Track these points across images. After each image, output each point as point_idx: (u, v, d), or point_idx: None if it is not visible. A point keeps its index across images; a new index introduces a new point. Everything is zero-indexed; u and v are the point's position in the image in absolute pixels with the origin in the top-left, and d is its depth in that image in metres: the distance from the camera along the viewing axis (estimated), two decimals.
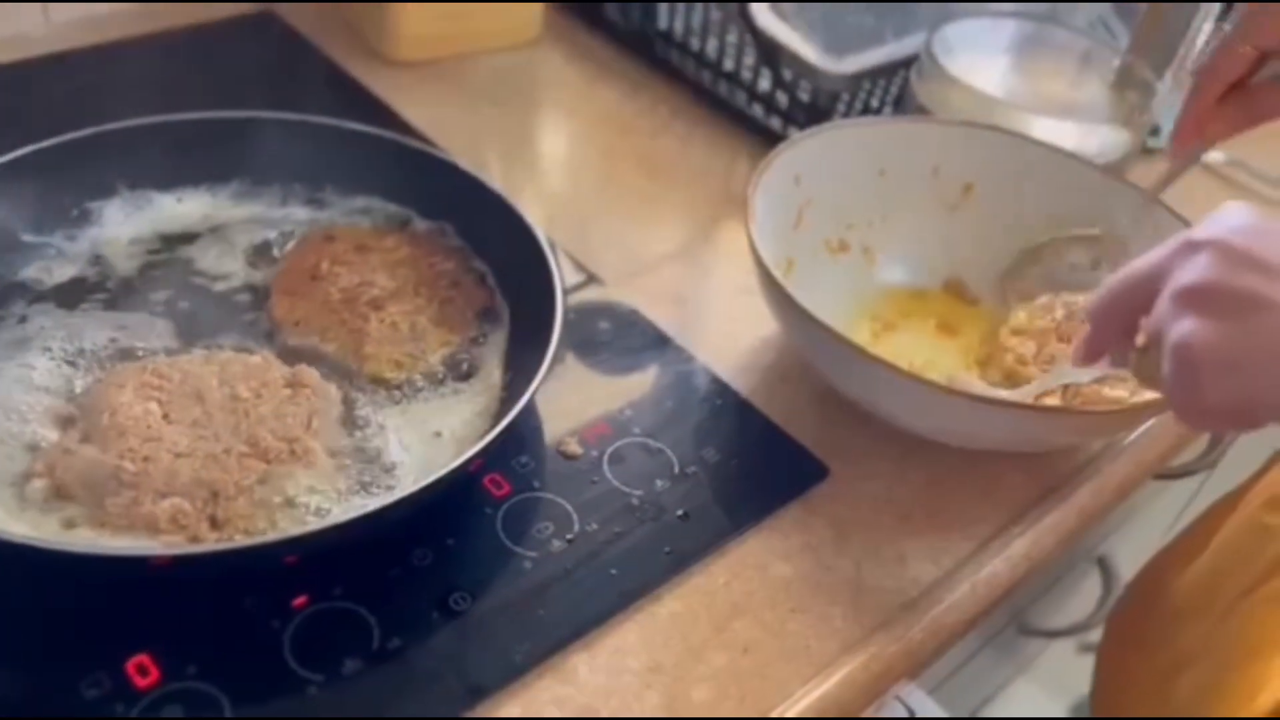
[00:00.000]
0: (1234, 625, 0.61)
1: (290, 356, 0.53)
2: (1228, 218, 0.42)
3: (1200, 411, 0.42)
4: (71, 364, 0.51)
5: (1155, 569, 0.76)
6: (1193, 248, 0.41)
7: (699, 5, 0.80)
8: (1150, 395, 0.56)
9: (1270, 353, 0.39)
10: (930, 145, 0.66)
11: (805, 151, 0.62)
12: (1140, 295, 0.44)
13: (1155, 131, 0.82)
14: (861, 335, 0.63)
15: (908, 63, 0.76)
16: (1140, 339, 0.45)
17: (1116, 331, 0.46)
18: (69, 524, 0.44)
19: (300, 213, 0.62)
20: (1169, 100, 0.80)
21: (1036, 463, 0.58)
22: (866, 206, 0.66)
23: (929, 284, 0.66)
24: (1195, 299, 0.40)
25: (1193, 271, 0.40)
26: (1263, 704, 0.52)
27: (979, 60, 0.74)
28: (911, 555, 0.53)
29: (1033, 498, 0.57)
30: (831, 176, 0.63)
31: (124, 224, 0.59)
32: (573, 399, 0.56)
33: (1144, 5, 0.80)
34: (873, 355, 0.50)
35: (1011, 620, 0.91)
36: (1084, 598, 0.98)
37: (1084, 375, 0.53)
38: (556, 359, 0.50)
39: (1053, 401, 0.55)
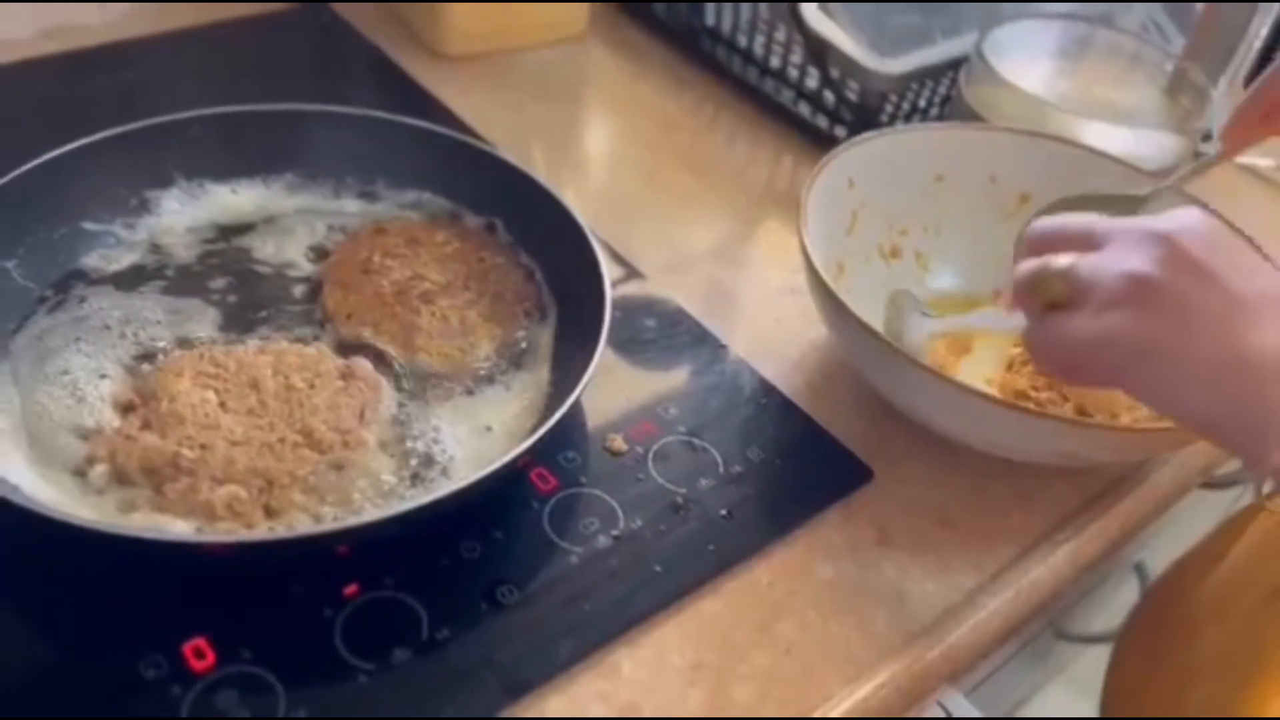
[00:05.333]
0: (1250, 636, 0.61)
1: (343, 348, 0.54)
2: (1186, 218, 0.43)
3: (1070, 368, 0.45)
4: (130, 349, 0.52)
5: (1173, 578, 0.75)
6: (1151, 237, 0.43)
7: (746, 2, 0.80)
8: None
9: (1180, 364, 0.41)
10: (989, 153, 0.65)
11: (861, 155, 0.61)
12: (1080, 245, 0.45)
13: (1208, 137, 0.81)
14: None
15: (956, 64, 0.75)
16: (1064, 260, 0.45)
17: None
18: (128, 508, 0.45)
19: (352, 205, 0.63)
20: (1223, 107, 0.79)
21: (1080, 470, 0.58)
22: (921, 213, 0.65)
23: (980, 292, 0.65)
24: (1141, 289, 0.42)
25: (1146, 260, 0.42)
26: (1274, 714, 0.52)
27: (1029, 63, 0.73)
28: (954, 560, 0.53)
29: (1076, 505, 0.57)
30: (887, 181, 0.63)
31: (181, 213, 0.60)
32: (617, 395, 0.57)
33: (1199, 8, 0.79)
34: (921, 364, 0.50)
35: (1048, 625, 0.90)
36: (1120, 604, 0.97)
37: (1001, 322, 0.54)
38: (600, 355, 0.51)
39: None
